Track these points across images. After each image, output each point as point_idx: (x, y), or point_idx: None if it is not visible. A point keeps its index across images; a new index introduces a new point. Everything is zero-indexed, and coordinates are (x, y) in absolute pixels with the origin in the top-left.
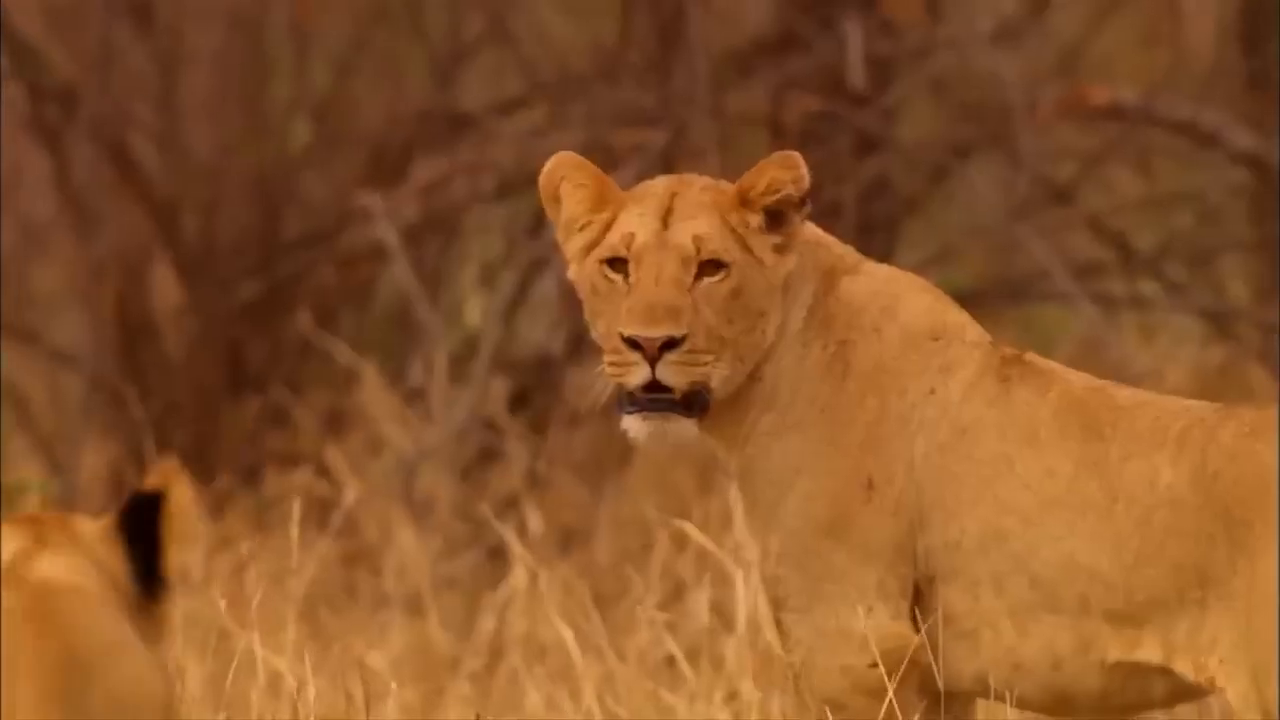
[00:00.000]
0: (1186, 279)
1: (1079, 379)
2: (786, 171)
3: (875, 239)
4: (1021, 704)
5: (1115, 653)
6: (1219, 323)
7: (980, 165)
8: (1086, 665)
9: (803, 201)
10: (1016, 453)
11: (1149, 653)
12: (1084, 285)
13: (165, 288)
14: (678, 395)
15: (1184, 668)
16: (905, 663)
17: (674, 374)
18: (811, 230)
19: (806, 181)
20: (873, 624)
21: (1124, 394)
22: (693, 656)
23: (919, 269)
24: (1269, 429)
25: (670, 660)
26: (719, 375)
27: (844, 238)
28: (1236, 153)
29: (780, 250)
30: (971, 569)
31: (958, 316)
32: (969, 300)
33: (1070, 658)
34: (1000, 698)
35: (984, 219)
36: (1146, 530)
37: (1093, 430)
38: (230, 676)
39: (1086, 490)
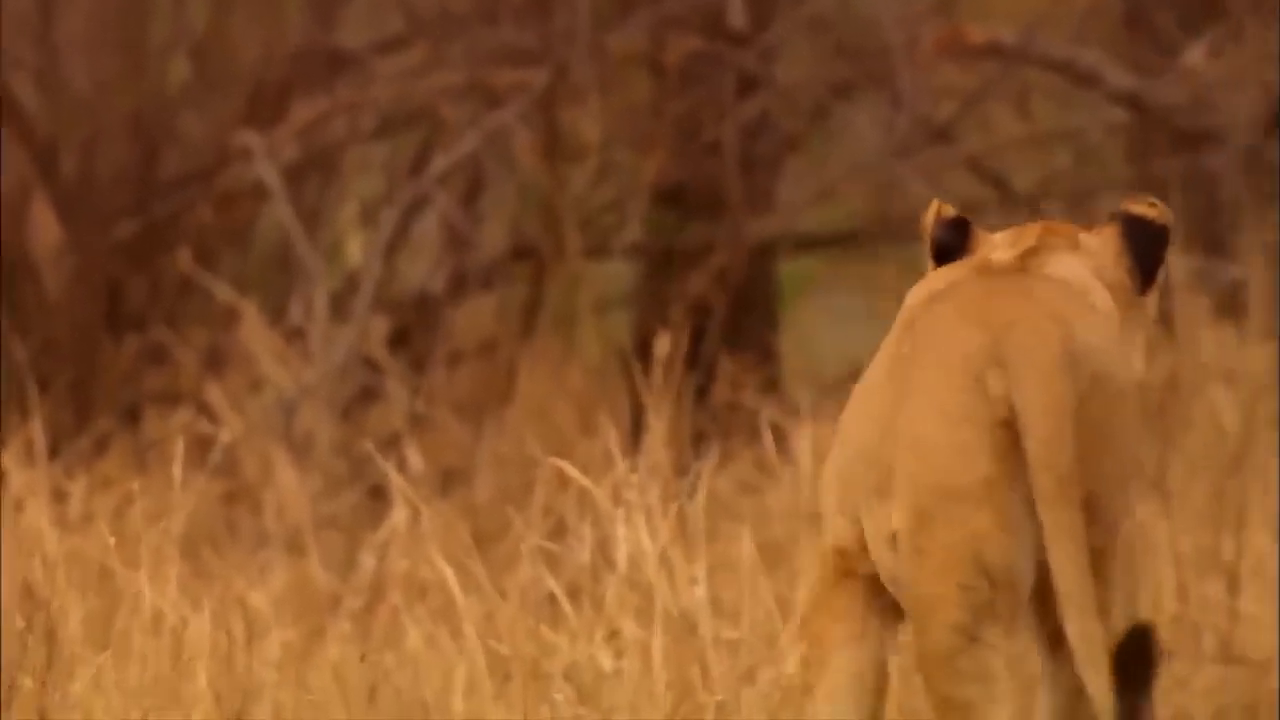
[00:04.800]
0: (1065, 217)
1: None
2: None
3: (756, 178)
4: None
5: None
6: None
7: (860, 105)
8: None
9: None
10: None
11: None
12: None
13: (44, 226)
14: None
15: None
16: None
17: None
18: None
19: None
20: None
21: None
22: (574, 595)
23: (801, 208)
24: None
25: (551, 598)
26: None
27: (726, 177)
28: (1114, 92)
29: None
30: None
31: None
32: (849, 240)
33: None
34: None
35: (864, 158)
36: None
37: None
38: (116, 616)
39: None
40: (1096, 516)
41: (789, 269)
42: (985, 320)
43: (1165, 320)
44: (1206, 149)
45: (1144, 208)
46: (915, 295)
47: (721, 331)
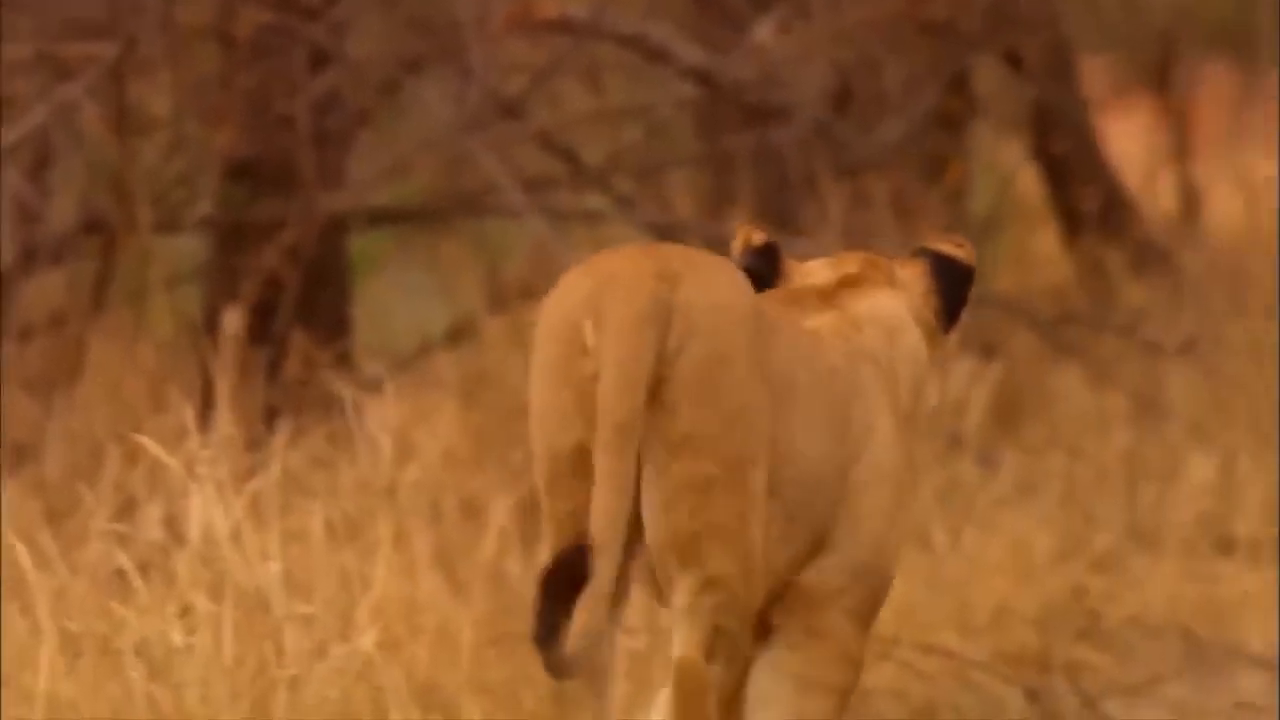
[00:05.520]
0: (635, 192)
1: None
2: None
3: (328, 153)
4: None
5: None
6: (667, 236)
7: (431, 79)
8: None
9: None
10: None
11: None
12: (534, 198)
13: None
14: None
15: None
16: None
17: None
18: None
19: None
20: None
21: None
22: (145, 571)
23: (372, 183)
24: None
25: (122, 574)
26: None
27: (297, 152)
28: (684, 68)
29: None
30: None
31: None
32: (421, 215)
33: None
34: None
35: (435, 133)
36: None
37: None
38: None
39: None
40: (703, 458)
41: (360, 244)
42: (592, 272)
43: None
44: (775, 125)
45: (951, 248)
46: None
47: (294, 306)
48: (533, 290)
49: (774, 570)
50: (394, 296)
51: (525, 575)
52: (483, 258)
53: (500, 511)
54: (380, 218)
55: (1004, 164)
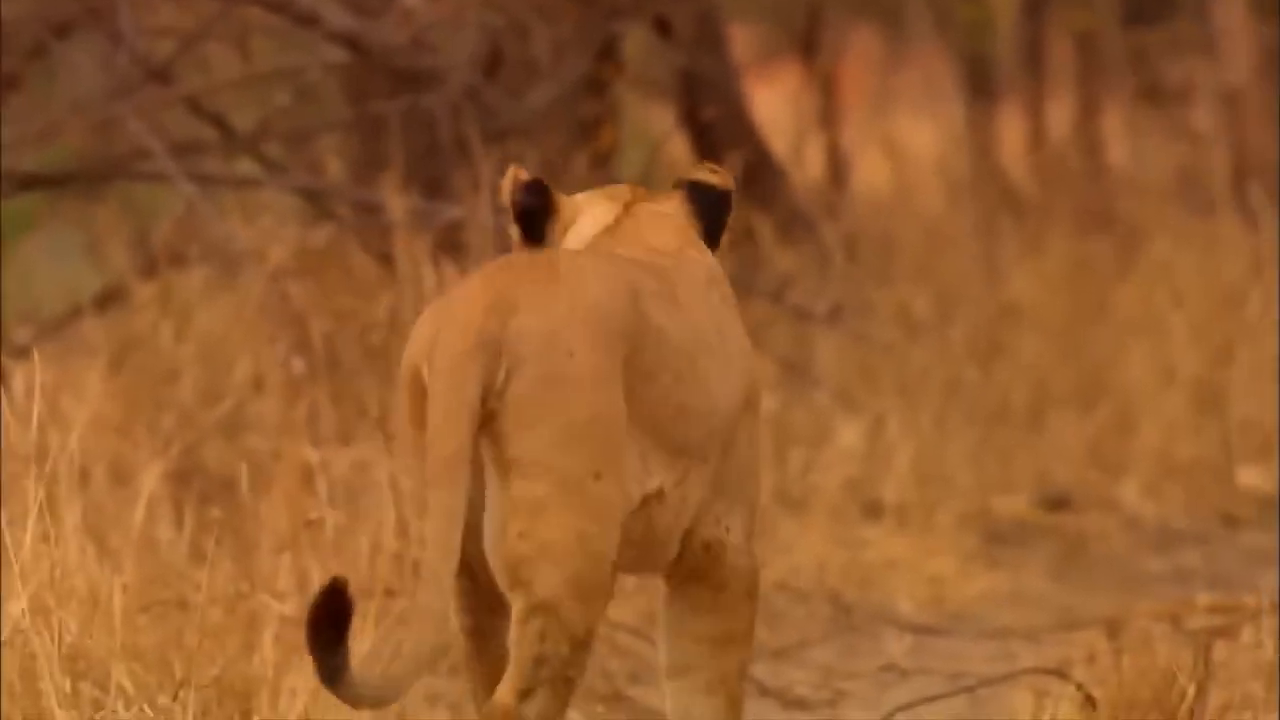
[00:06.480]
0: (285, 158)
1: None
2: None
3: None
4: None
5: None
6: (318, 201)
7: (80, 43)
8: None
9: None
10: None
11: None
12: (183, 164)
13: None
14: None
15: None
16: None
17: None
18: None
19: None
20: None
21: None
22: None
23: (21, 147)
24: None
25: None
26: None
27: None
28: (333, 31)
29: None
30: None
31: None
32: (70, 179)
33: None
34: None
35: (84, 97)
36: None
37: None
38: None
39: None
40: (531, 479)
41: (8, 208)
42: (438, 311)
43: (388, 261)
44: (425, 89)
45: (706, 174)
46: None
47: None
48: (182, 256)
49: (684, 526)
50: (42, 261)
51: (176, 541)
52: (132, 223)
53: (150, 478)
54: (29, 182)
55: (653, 130)
